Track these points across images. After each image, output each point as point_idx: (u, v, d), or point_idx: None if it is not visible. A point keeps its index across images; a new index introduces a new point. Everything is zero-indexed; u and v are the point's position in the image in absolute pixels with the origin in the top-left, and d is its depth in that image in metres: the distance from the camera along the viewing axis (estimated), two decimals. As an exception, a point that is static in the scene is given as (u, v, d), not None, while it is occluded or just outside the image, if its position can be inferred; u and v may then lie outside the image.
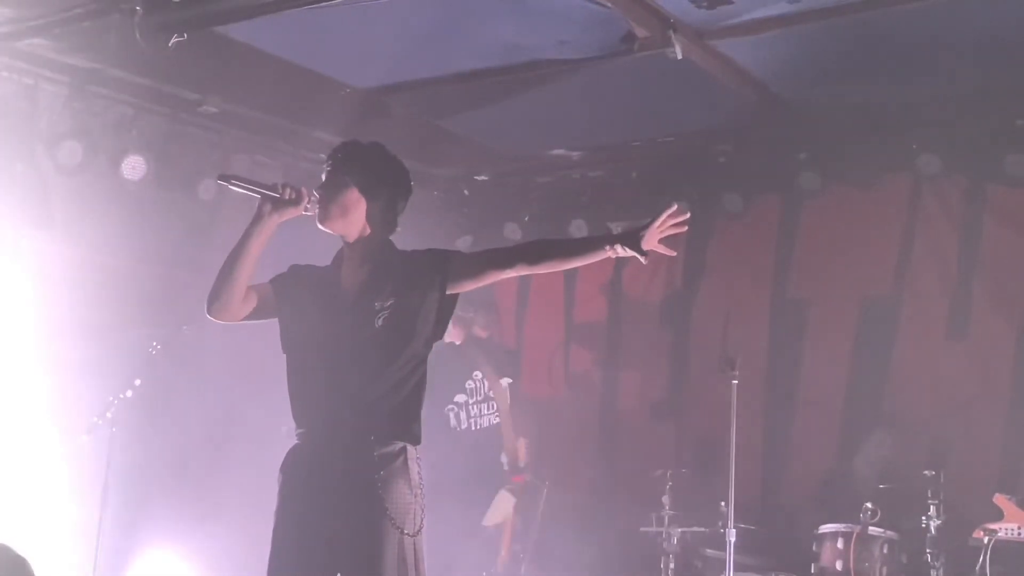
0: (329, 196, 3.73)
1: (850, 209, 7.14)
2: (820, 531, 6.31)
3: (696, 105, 6.66)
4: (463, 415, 7.43)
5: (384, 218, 3.80)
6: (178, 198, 6.83)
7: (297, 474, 3.68)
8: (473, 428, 7.42)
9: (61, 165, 6.26)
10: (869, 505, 6.11)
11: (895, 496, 6.18)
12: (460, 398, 7.44)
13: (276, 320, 3.83)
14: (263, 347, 4.08)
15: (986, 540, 5.70)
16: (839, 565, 6.09)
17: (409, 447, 3.68)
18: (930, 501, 5.92)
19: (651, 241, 3.66)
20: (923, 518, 5.93)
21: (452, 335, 6.91)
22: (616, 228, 7.33)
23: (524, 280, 8.21)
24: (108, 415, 6.18)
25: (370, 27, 5.62)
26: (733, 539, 5.92)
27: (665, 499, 6.74)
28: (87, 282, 6.42)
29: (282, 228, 3.77)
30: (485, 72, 6.25)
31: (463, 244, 8.01)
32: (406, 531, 3.57)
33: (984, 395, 6.62)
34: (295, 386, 3.77)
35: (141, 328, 6.55)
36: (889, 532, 6.11)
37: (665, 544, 6.69)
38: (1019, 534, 5.72)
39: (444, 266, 3.74)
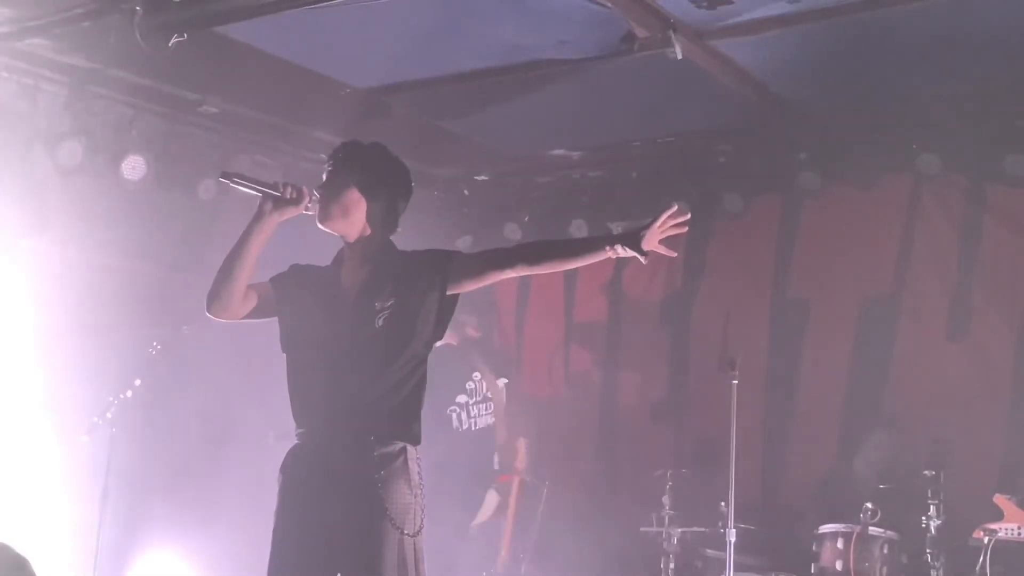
0: (330, 196, 3.73)
1: (850, 209, 7.14)
2: (820, 531, 6.31)
3: (696, 105, 6.66)
4: (464, 416, 7.45)
5: (385, 218, 3.81)
6: (178, 198, 6.83)
7: (297, 474, 3.68)
8: (473, 428, 7.44)
9: (61, 165, 6.26)
10: (869, 505, 6.11)
11: (895, 496, 6.18)
12: (462, 399, 7.46)
13: (276, 320, 3.84)
14: (263, 347, 4.08)
15: (986, 540, 5.70)
16: (839, 565, 6.09)
17: (409, 447, 3.68)
18: (930, 501, 5.92)
19: (651, 241, 3.66)
20: (923, 518, 5.93)
21: (446, 336, 6.94)
22: (616, 228, 7.33)
23: (524, 280, 8.21)
24: (108, 415, 6.18)
25: (370, 27, 5.62)
26: (733, 539, 5.91)
27: (665, 499, 6.74)
28: (87, 282, 6.42)
29: (282, 228, 3.78)
30: (485, 72, 6.25)
31: (463, 244, 8.00)
32: (406, 531, 3.57)
33: (984, 395, 6.61)
34: (295, 386, 3.77)
35: (141, 328, 6.55)
36: (889, 532, 6.11)
37: (665, 544, 6.69)
38: (1019, 534, 5.71)
39: (444, 266, 3.74)
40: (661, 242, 3.69)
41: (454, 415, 7.42)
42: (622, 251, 3.66)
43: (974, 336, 6.77)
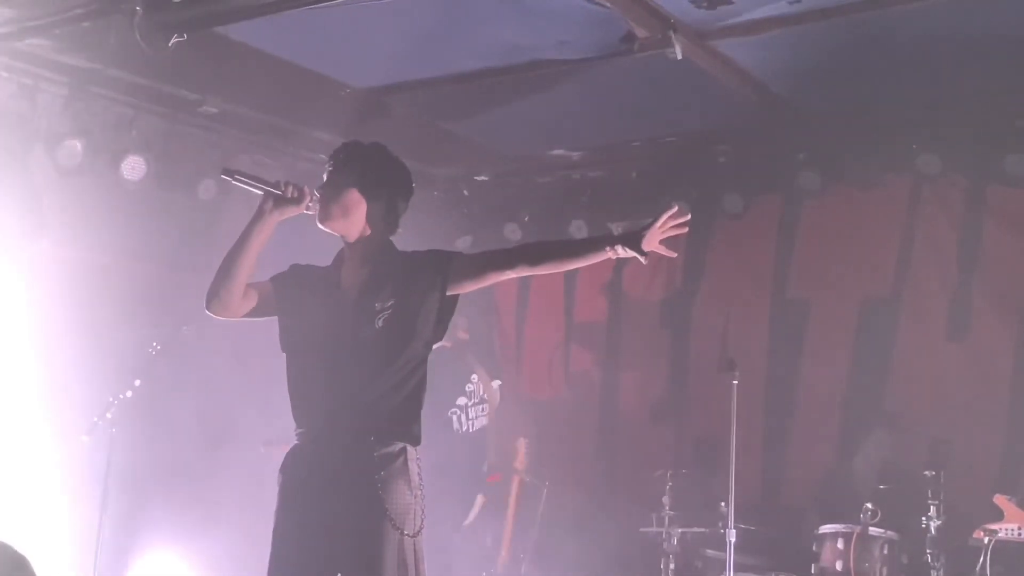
0: (330, 196, 3.73)
1: (850, 209, 7.14)
2: (820, 531, 6.30)
3: (696, 105, 6.66)
4: (464, 418, 7.46)
5: (385, 219, 3.81)
6: (178, 198, 6.83)
7: (297, 474, 3.68)
8: (471, 430, 7.45)
9: (61, 165, 6.26)
10: (869, 505, 6.11)
11: (895, 496, 6.18)
12: (461, 401, 7.48)
13: (275, 319, 3.84)
14: (263, 347, 4.08)
15: (986, 540, 5.70)
16: (839, 565, 6.09)
17: (409, 448, 3.67)
18: (930, 501, 5.92)
19: (652, 242, 3.66)
20: (923, 518, 5.93)
21: (440, 339, 6.98)
22: (616, 228, 7.33)
23: (524, 280, 8.21)
24: (108, 415, 6.17)
25: (370, 27, 5.62)
26: (733, 539, 5.92)
27: (665, 499, 6.74)
28: (86, 282, 6.41)
29: (282, 228, 3.78)
30: (485, 72, 6.25)
31: (463, 244, 8.00)
32: (406, 532, 3.57)
33: (984, 395, 6.62)
34: (295, 386, 3.77)
35: (141, 328, 6.55)
36: (889, 532, 6.11)
37: (665, 544, 6.69)
38: (1019, 534, 5.71)
39: (445, 267, 3.74)
40: (661, 242, 3.69)
41: (455, 417, 7.43)
42: (622, 251, 3.66)
43: (974, 336, 6.77)
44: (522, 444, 7.36)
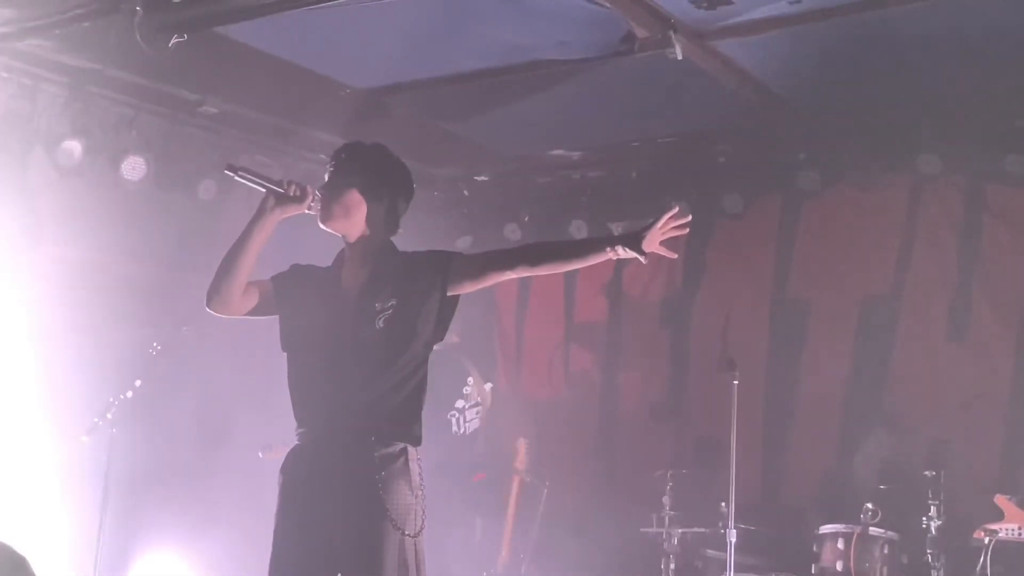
0: (332, 196, 3.74)
1: (850, 209, 7.14)
2: (821, 531, 6.31)
3: (696, 105, 6.66)
4: (461, 420, 7.46)
5: (386, 219, 3.81)
6: (178, 198, 6.82)
7: (298, 475, 3.68)
8: (467, 432, 7.46)
9: (61, 166, 6.25)
10: (870, 506, 6.11)
11: (895, 496, 6.19)
12: (459, 403, 7.48)
13: (275, 319, 3.84)
14: (263, 347, 4.08)
15: (987, 540, 5.71)
16: (840, 566, 6.09)
17: (410, 448, 3.68)
18: (930, 501, 5.92)
19: (652, 243, 3.66)
20: (923, 518, 5.93)
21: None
22: (616, 228, 7.34)
23: (524, 280, 8.20)
24: (108, 416, 6.17)
25: (370, 27, 5.62)
26: (734, 539, 5.92)
27: (665, 499, 6.74)
28: (86, 283, 6.41)
29: (283, 228, 3.78)
30: (485, 72, 6.25)
31: (463, 244, 8.00)
32: (407, 532, 3.57)
33: (984, 395, 6.61)
34: (295, 386, 3.77)
35: (141, 328, 6.55)
36: (890, 532, 6.11)
37: (666, 544, 6.69)
38: (1019, 534, 5.72)
39: (445, 267, 3.74)
40: (662, 243, 3.69)
41: (453, 420, 7.44)
42: (622, 252, 3.66)
43: (974, 336, 6.77)
44: (522, 444, 7.36)
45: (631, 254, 3.66)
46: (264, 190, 3.69)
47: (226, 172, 3.69)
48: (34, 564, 3.92)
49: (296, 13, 5.06)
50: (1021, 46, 5.59)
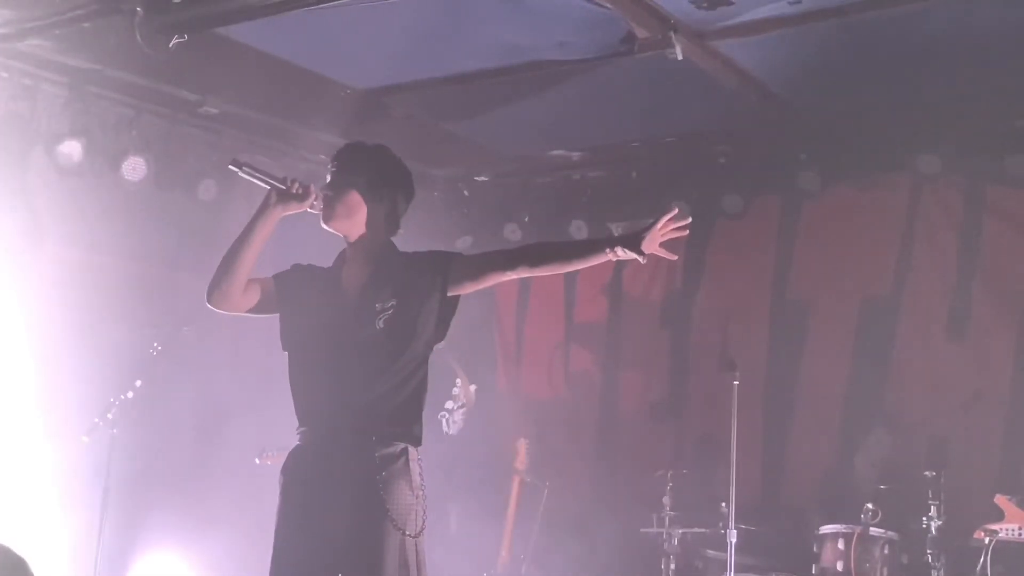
0: (333, 196, 3.76)
1: (850, 209, 7.13)
2: (821, 532, 6.30)
3: (696, 105, 6.65)
4: (450, 421, 7.46)
5: (387, 220, 3.82)
6: (178, 198, 6.83)
7: (298, 475, 3.69)
8: (455, 433, 7.46)
9: (61, 166, 6.25)
10: (870, 506, 6.11)
11: (896, 497, 6.18)
12: (449, 404, 7.48)
13: (276, 319, 3.84)
14: (263, 348, 4.08)
15: (987, 541, 5.70)
16: (840, 566, 6.09)
17: (410, 448, 3.68)
18: (930, 501, 5.92)
19: (652, 244, 3.66)
20: (924, 519, 5.93)
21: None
22: (616, 229, 7.34)
23: (524, 280, 8.18)
24: (109, 416, 6.16)
25: (370, 27, 5.62)
26: (734, 540, 5.92)
27: (666, 500, 6.74)
28: (86, 283, 6.41)
29: (285, 227, 3.78)
30: (485, 72, 6.25)
31: (463, 244, 7.99)
32: (408, 532, 3.58)
33: (984, 395, 6.61)
34: (296, 385, 3.78)
35: (141, 328, 6.55)
36: (890, 533, 6.11)
37: (666, 545, 6.68)
38: (1020, 535, 5.71)
39: (445, 268, 3.75)
40: (661, 245, 3.69)
41: (444, 420, 7.43)
42: (622, 253, 3.66)
43: (974, 336, 6.77)
44: (522, 444, 7.35)
45: (630, 255, 3.66)
46: (267, 186, 3.70)
47: (230, 167, 3.71)
48: (34, 565, 3.91)
49: (296, 13, 5.06)
50: (1021, 46, 5.59)
